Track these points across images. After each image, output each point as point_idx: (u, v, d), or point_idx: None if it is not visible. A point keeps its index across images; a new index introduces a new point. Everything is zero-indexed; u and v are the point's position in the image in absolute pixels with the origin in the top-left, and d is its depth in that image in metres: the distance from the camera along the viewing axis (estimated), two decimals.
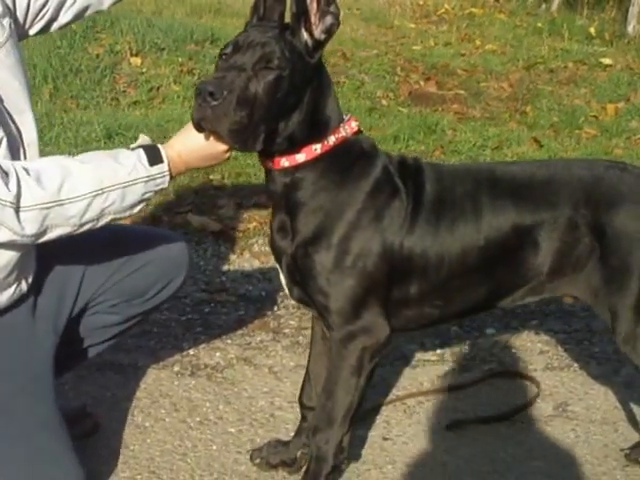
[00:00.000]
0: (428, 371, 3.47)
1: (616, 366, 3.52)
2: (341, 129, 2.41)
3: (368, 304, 2.44)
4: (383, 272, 2.44)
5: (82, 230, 2.27)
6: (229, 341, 3.58)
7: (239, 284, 4.03)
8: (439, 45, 9.34)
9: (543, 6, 11.02)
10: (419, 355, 3.58)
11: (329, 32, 2.30)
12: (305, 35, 2.30)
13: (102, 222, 2.29)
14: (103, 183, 2.22)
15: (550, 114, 6.78)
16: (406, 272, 2.47)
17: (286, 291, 2.59)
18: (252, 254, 4.26)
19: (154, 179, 2.25)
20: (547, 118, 6.67)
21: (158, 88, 6.86)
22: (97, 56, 7.16)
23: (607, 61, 7.91)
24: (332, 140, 2.39)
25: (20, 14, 2.44)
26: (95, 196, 2.22)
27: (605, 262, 2.49)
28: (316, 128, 2.37)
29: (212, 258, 4.23)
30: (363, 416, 3.11)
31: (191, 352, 3.49)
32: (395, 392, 3.33)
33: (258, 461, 2.84)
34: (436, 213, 2.47)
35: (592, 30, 9.48)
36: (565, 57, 8.15)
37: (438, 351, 3.63)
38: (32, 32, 2.54)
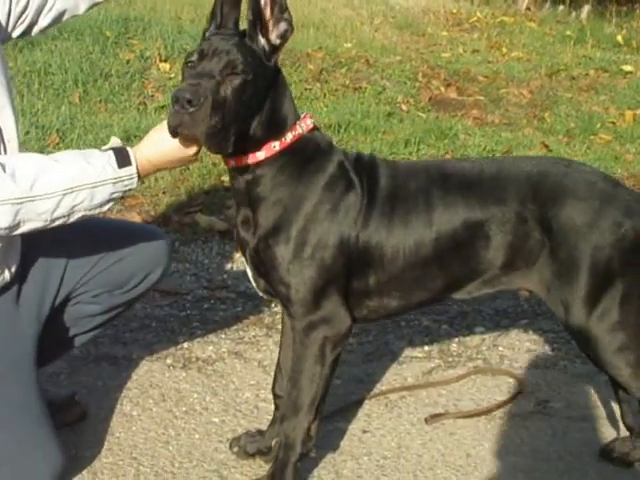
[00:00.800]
0: (413, 367, 3.52)
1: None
2: (298, 127, 2.50)
3: (328, 295, 2.51)
4: (341, 263, 2.51)
5: (54, 225, 2.36)
6: (223, 336, 3.66)
7: (240, 281, 4.11)
8: (467, 52, 9.38)
9: (573, 14, 11.00)
10: (407, 352, 3.64)
11: (284, 37, 2.39)
12: (262, 41, 2.38)
13: (73, 218, 2.38)
14: (73, 182, 2.31)
15: (567, 120, 6.80)
16: (363, 263, 2.55)
17: (253, 283, 2.65)
18: None
19: (122, 181, 2.34)
20: (564, 124, 6.69)
21: None
22: (127, 61, 7.30)
23: (628, 68, 7.90)
24: (289, 137, 2.47)
25: (2, 17, 2.54)
26: (65, 194, 2.30)
27: (554, 256, 2.54)
28: (275, 127, 2.46)
29: (217, 256, 4.32)
30: (345, 409, 3.17)
31: (185, 346, 3.58)
32: (379, 387, 3.37)
33: (236, 449, 2.91)
34: (390, 207, 2.54)
35: (620, 38, 9.45)
36: (587, 64, 8.16)
37: (426, 348, 3.68)
38: (15, 35, 2.64)
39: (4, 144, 2.47)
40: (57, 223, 2.36)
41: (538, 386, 3.43)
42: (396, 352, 3.63)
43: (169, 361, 3.45)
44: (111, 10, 8.39)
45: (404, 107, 7.10)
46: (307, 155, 2.51)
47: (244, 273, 3.99)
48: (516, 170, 2.62)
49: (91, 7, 2.71)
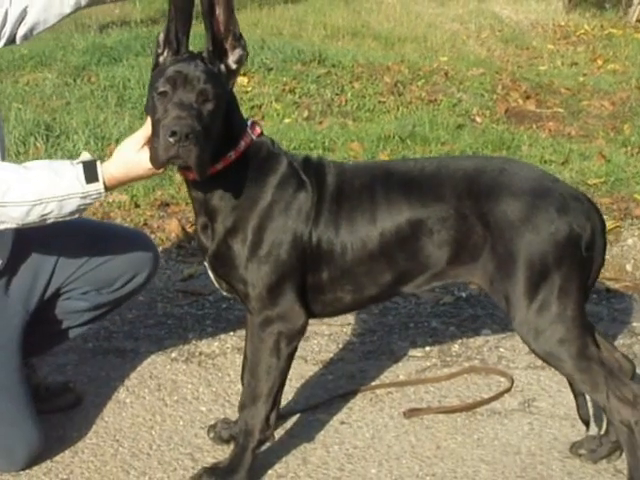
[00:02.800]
0: (409, 366, 3.64)
1: None
2: (248, 132, 2.66)
3: (283, 291, 2.69)
4: (295, 260, 2.68)
5: (29, 226, 2.62)
6: (232, 333, 3.86)
7: None
8: (564, 65, 9.36)
9: None
10: (406, 351, 3.76)
11: (240, 62, 2.59)
12: (222, 66, 2.57)
13: (47, 223, 2.63)
14: (42, 195, 2.56)
15: None
16: (317, 259, 2.70)
17: (216, 284, 2.84)
18: None
19: (90, 195, 2.58)
20: None
21: (260, 106, 7.26)
22: None
23: None
24: (242, 145, 2.65)
25: None
26: (34, 205, 2.56)
27: (494, 251, 2.64)
28: (230, 139, 2.63)
29: None
30: (329, 403, 3.32)
31: (193, 342, 3.79)
32: (369, 383, 3.50)
33: (212, 435, 3.11)
34: (337, 204, 2.69)
35: None
36: None
37: (427, 348, 3.79)
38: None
39: None
40: (31, 226, 2.62)
41: (529, 385, 3.50)
42: (395, 351, 3.75)
43: (174, 355, 3.67)
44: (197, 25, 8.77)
45: (478, 119, 7.19)
46: (259, 158, 2.69)
47: None
48: (454, 167, 2.74)
49: (60, 20, 2.94)
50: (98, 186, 2.56)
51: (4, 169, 2.61)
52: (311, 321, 3.73)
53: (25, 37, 2.89)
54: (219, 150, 2.58)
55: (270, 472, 2.96)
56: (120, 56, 7.97)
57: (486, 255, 2.66)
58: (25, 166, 2.64)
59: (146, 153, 2.52)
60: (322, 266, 2.72)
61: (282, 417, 3.23)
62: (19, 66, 7.98)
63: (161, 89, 2.50)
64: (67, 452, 3.02)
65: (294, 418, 3.26)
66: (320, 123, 7.04)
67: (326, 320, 4.00)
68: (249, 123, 2.71)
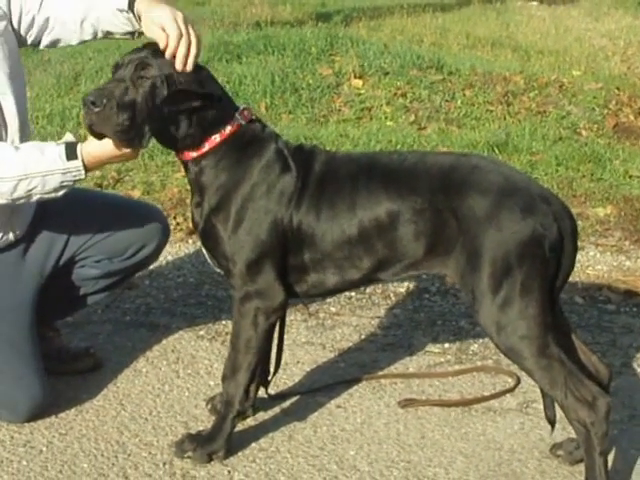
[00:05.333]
0: (422, 360, 3.77)
1: None
2: (236, 118, 2.88)
3: (263, 269, 2.89)
4: (275, 240, 2.87)
5: (19, 202, 2.93)
6: None
7: None
8: None
9: None
10: (425, 346, 3.88)
11: None
12: None
13: (33, 199, 2.93)
14: (26, 171, 2.85)
15: None
16: (298, 241, 2.89)
17: (208, 260, 3.07)
18: None
19: (70, 172, 2.85)
20: None
21: (370, 109, 7.46)
22: (323, 76, 7.87)
23: None
24: (228, 129, 2.87)
25: (15, 22, 3.13)
26: (20, 180, 2.86)
27: (464, 245, 2.76)
28: (213, 123, 2.86)
29: None
30: (332, 387, 3.50)
31: (223, 322, 4.02)
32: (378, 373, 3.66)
33: (209, 407, 3.34)
34: (320, 190, 2.88)
35: None
36: None
37: (446, 345, 3.90)
38: (28, 42, 3.21)
39: (5, 126, 3.05)
40: (20, 202, 2.93)
41: (534, 387, 3.51)
42: (414, 345, 3.88)
43: (201, 333, 3.92)
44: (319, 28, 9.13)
45: (584, 132, 7.15)
46: (245, 142, 2.90)
47: None
48: (431, 162, 2.87)
49: (82, 42, 3.21)
50: (77, 163, 2.83)
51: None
52: (341, 311, 3.99)
53: (50, 45, 3.18)
54: (199, 132, 2.83)
55: (254, 445, 3.15)
56: (243, 54, 8.31)
57: (458, 249, 2.78)
58: (16, 146, 2.93)
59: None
60: (304, 248, 2.90)
61: (282, 397, 3.42)
62: None
63: (112, 71, 2.81)
64: (72, 410, 3.31)
65: (293, 399, 3.43)
66: (424, 128, 7.18)
67: (358, 312, 4.17)
68: (240, 109, 2.90)
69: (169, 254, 4.69)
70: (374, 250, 2.88)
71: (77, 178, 2.88)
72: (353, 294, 4.37)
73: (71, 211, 3.26)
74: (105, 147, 2.80)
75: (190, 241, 4.80)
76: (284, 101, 7.44)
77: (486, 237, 2.72)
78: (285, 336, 3.30)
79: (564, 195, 5.45)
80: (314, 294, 3.08)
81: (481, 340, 3.94)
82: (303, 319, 4.09)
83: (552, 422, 3.03)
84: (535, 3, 14.89)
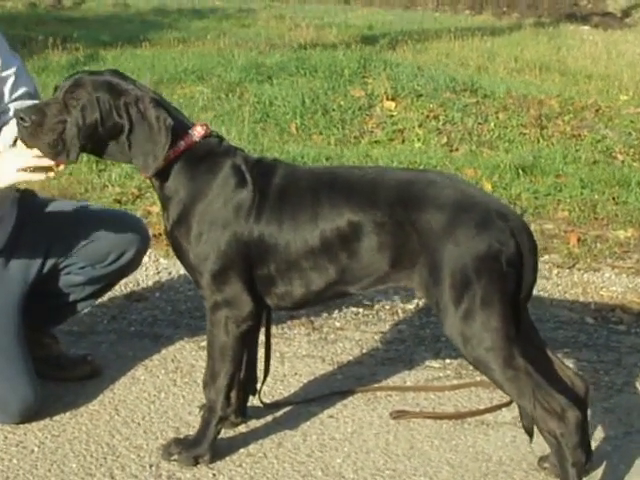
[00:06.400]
0: (420, 374, 3.90)
1: (605, 395, 3.75)
2: (190, 135, 3.07)
3: (228, 280, 3.06)
4: (236, 252, 3.04)
5: None
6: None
7: None
8: None
9: None
10: (425, 361, 4.02)
11: None
12: None
13: None
14: None
15: None
16: (262, 253, 3.05)
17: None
18: None
19: None
20: None
21: (402, 130, 7.64)
22: (355, 98, 8.06)
23: None
24: (182, 145, 3.05)
25: None
26: None
27: (426, 258, 2.90)
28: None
29: None
30: (326, 398, 3.65)
31: None
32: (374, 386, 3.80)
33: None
34: (280, 202, 3.03)
35: None
36: None
37: (447, 360, 4.03)
38: None
39: None
40: None
41: None
42: (415, 360, 4.01)
43: (203, 344, 4.05)
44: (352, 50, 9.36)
45: (619, 156, 7.24)
46: (199, 157, 3.08)
47: None
48: (390, 177, 3.04)
49: None
50: None
51: None
52: (346, 326, 4.15)
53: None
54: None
55: (242, 450, 3.31)
56: (274, 75, 8.55)
57: (421, 261, 2.92)
58: None
59: (13, 155, 3.07)
60: (268, 259, 3.05)
61: (275, 406, 3.58)
62: (181, 79, 8.70)
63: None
64: (67, 414, 3.49)
65: (286, 408, 3.58)
66: (455, 150, 7.33)
67: (362, 327, 4.32)
68: (195, 126, 3.10)
69: (182, 268, 4.85)
70: (338, 260, 3.01)
71: None
72: (360, 310, 4.52)
73: (51, 220, 3.52)
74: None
75: None
76: (315, 122, 7.64)
77: (444, 251, 2.86)
78: (273, 343, 3.48)
79: (585, 218, 5.57)
80: (284, 306, 3.21)
81: None
82: (306, 333, 4.24)
83: (529, 432, 3.13)
84: (588, 27, 14.98)
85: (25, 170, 3.02)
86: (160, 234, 5.17)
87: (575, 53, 11.75)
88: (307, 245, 3.01)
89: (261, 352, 3.44)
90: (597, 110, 8.09)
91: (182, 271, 4.60)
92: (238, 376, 3.24)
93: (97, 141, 3.00)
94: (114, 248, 3.54)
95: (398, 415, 3.56)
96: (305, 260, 3.03)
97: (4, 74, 3.40)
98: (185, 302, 4.55)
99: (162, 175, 3.05)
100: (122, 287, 4.67)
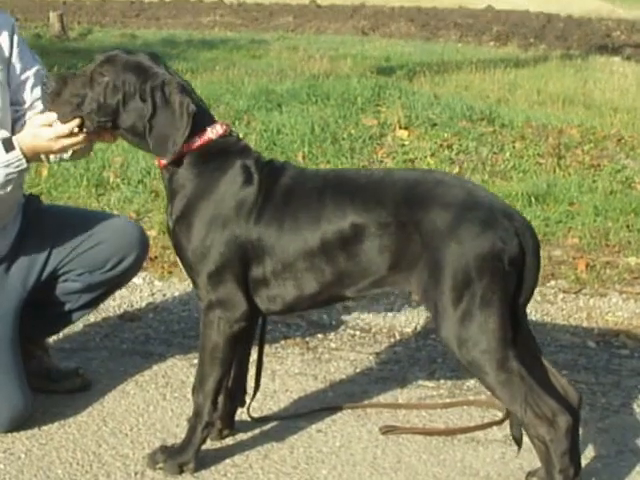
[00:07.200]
0: (413, 392, 4.11)
1: (600, 415, 3.95)
2: (207, 132, 3.30)
3: (224, 280, 3.27)
4: (234, 251, 3.24)
5: None
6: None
7: (317, 312, 4.88)
8: None
9: None
10: (419, 380, 4.22)
11: None
12: None
13: None
14: None
15: None
16: (258, 253, 3.25)
17: (183, 269, 3.48)
18: None
19: (11, 163, 3.32)
20: None
21: (414, 160, 7.87)
22: (367, 127, 8.33)
23: None
24: (197, 141, 3.28)
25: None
26: None
27: (427, 259, 3.09)
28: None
29: None
30: (316, 414, 3.86)
31: None
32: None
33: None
34: (284, 202, 3.24)
35: None
36: None
37: (441, 381, 4.24)
38: None
39: None
40: None
41: None
42: (407, 379, 4.22)
43: (195, 361, 4.29)
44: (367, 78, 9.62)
45: (639, 187, 7.44)
46: (211, 155, 3.30)
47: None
48: (398, 177, 3.25)
49: None
50: (16, 153, 3.30)
51: None
52: (341, 347, 4.37)
53: None
54: None
55: (227, 461, 3.53)
56: (284, 102, 8.84)
57: (422, 263, 3.11)
58: None
59: (48, 129, 3.26)
60: (265, 260, 3.25)
61: (264, 420, 3.80)
62: None
63: None
64: (55, 424, 3.72)
65: (275, 422, 3.80)
66: None
67: (358, 348, 4.54)
68: (216, 124, 3.32)
69: (177, 290, 5.12)
70: (336, 262, 3.21)
71: (20, 168, 3.34)
72: (357, 332, 4.74)
73: (53, 226, 3.75)
74: (36, 137, 3.27)
75: None
76: (323, 151, 7.87)
77: (447, 250, 3.05)
78: (265, 361, 3.73)
79: (596, 244, 5.77)
80: (274, 310, 3.39)
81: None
82: (300, 352, 4.46)
83: (518, 441, 3.33)
84: (618, 59, 15.21)
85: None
86: (157, 257, 5.43)
87: (603, 86, 11.95)
88: (306, 245, 3.20)
89: (253, 369, 3.66)
90: (619, 140, 8.31)
91: (177, 293, 4.90)
92: (227, 381, 3.44)
93: (117, 121, 3.24)
94: (114, 254, 3.78)
95: (388, 430, 3.75)
96: (302, 260, 3.21)
97: (23, 77, 3.65)
98: (178, 322, 4.78)
99: (173, 168, 3.28)
100: (116, 308, 4.93)
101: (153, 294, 5.10)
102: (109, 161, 7.23)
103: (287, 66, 12.49)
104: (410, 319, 4.86)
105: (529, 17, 22.67)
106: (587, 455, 3.60)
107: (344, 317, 4.90)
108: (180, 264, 3.43)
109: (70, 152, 3.43)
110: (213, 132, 3.31)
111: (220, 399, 3.47)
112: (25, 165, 3.35)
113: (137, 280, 5.18)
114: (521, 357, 3.11)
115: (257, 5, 24.49)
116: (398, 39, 17.68)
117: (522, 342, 3.18)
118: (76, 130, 3.22)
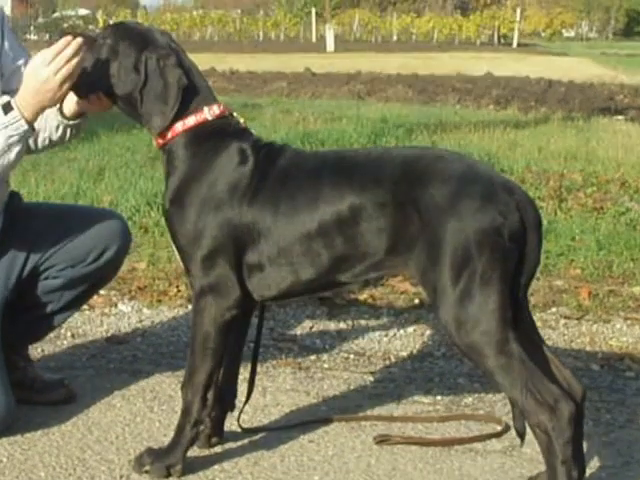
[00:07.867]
0: (408, 408, 4.14)
1: (605, 430, 3.99)
2: (204, 112, 3.37)
3: (217, 264, 3.31)
4: (227, 234, 3.28)
5: None
6: (249, 367, 4.48)
7: (310, 338, 4.93)
8: None
9: None
10: (415, 397, 4.25)
11: None
12: None
13: None
14: None
15: None
16: (252, 236, 3.29)
17: (176, 255, 3.50)
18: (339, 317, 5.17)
19: (11, 124, 3.36)
20: None
21: None
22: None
23: None
24: (192, 120, 3.35)
25: None
26: None
27: (426, 238, 3.12)
28: (179, 112, 3.34)
29: (305, 319, 5.17)
30: (308, 425, 3.89)
31: None
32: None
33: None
34: (281, 184, 3.29)
35: None
36: None
37: (438, 397, 4.27)
38: None
39: None
40: None
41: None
42: (403, 396, 4.25)
43: (182, 378, 4.34)
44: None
45: None
46: (206, 136, 3.36)
47: (319, 332, 4.85)
48: (397, 154, 3.31)
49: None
50: (15, 114, 3.34)
51: None
52: (333, 366, 4.41)
53: None
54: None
55: (216, 467, 3.55)
56: None
57: (420, 245, 3.14)
58: None
59: (50, 67, 3.29)
60: (259, 243, 3.29)
61: (254, 431, 3.82)
62: None
63: None
64: (39, 432, 3.75)
65: (265, 433, 3.83)
66: None
67: (352, 369, 4.57)
68: (213, 105, 3.38)
69: (165, 317, 5.17)
70: (333, 245, 3.24)
71: (21, 129, 3.37)
72: (351, 355, 4.78)
73: (34, 222, 3.81)
74: (31, 83, 3.32)
75: (189, 307, 5.26)
76: None
77: (446, 226, 3.07)
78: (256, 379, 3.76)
79: (600, 275, 5.83)
80: (268, 296, 3.41)
81: (476, 395, 4.29)
82: (292, 371, 4.49)
83: (521, 434, 3.34)
84: (621, 117, 15.37)
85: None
86: (146, 287, 5.49)
87: (606, 144, 12.04)
88: (303, 228, 3.24)
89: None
90: (623, 183, 8.40)
91: (165, 319, 4.93)
92: (217, 376, 3.47)
93: (112, 88, 3.35)
94: (95, 246, 3.83)
95: (382, 440, 3.77)
96: (299, 244, 3.25)
97: (14, 66, 3.73)
98: (167, 346, 4.82)
99: (168, 147, 3.36)
100: (103, 332, 4.97)
101: (141, 321, 5.14)
102: (99, 199, 7.30)
103: (281, 128, 12.59)
104: (406, 344, 4.90)
105: (529, 82, 22.93)
106: (592, 465, 3.61)
107: (338, 342, 4.93)
108: (174, 249, 3.46)
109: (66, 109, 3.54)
110: (210, 112, 3.37)
111: (210, 397, 3.48)
112: (25, 126, 3.38)
113: (125, 308, 5.25)
114: (523, 347, 3.12)
115: (250, 73, 24.73)
116: (395, 102, 17.85)
117: (523, 329, 3.20)
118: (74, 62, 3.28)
